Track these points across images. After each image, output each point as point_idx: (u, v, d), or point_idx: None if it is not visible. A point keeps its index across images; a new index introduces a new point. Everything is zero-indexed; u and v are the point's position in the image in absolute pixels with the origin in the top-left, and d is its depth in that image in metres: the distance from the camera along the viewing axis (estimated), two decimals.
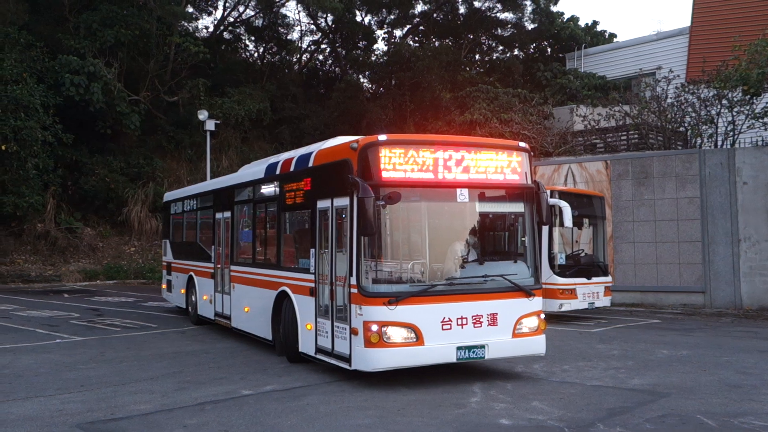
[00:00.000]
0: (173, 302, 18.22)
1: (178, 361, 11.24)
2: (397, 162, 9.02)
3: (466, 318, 9.12)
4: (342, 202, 9.34)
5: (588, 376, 10.05)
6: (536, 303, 9.70)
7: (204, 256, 15.50)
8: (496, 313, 9.32)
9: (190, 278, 16.25)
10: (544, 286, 15.66)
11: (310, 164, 10.58)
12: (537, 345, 9.73)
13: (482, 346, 9.20)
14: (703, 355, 11.82)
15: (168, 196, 19.53)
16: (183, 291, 16.84)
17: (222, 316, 14.17)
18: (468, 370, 10.35)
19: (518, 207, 10.04)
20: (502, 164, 9.68)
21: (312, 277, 10.14)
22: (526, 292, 9.58)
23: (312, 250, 10.18)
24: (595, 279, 16.55)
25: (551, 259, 15.91)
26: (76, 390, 9.15)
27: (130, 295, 23.19)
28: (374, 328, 8.72)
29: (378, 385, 9.31)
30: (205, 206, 15.81)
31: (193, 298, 16.07)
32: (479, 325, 9.20)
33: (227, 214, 14.13)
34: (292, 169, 11.27)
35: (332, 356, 9.62)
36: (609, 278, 17.30)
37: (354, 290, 8.92)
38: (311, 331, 10.15)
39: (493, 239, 10.70)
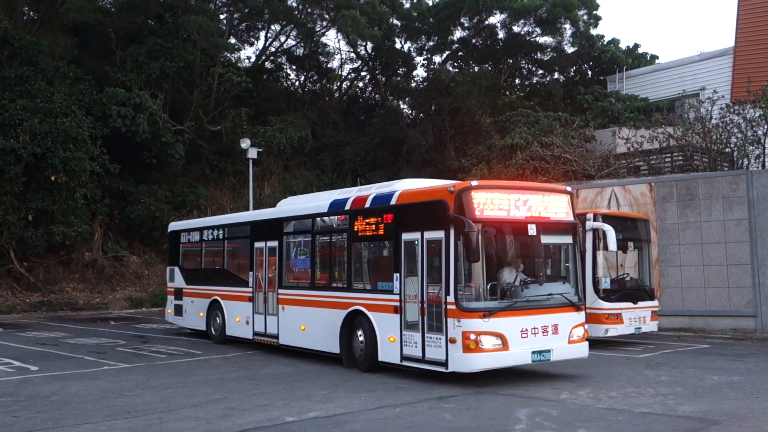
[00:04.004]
0: (185, 325, 19.41)
1: (222, 388, 11.31)
2: (482, 202, 10.97)
3: (537, 328, 11.12)
4: (435, 235, 11.15)
5: (636, 402, 9.85)
6: (582, 316, 11.83)
7: (235, 282, 16.97)
8: (558, 324, 11.36)
9: (214, 302, 17.64)
10: (589, 311, 15.59)
11: (393, 202, 12.29)
12: (583, 350, 11.80)
13: (549, 351, 11.18)
14: (755, 381, 11.51)
15: (175, 225, 20.83)
16: (202, 314, 18.09)
17: (265, 335, 15.53)
18: (512, 395, 10.27)
19: (567, 238, 12.10)
20: (554, 204, 11.83)
21: (396, 297, 11.83)
22: (576, 307, 11.69)
23: (396, 275, 11.91)
24: (641, 303, 16.22)
25: (596, 283, 15.66)
26: (122, 417, 9.26)
27: None
28: (472, 336, 10.51)
29: (422, 412, 9.26)
30: (237, 236, 17.35)
31: (218, 321, 17.44)
32: (546, 333, 11.21)
33: (273, 243, 15.48)
34: (368, 205, 12.88)
35: (423, 362, 11.28)
36: (656, 302, 16.97)
37: (451, 306, 10.71)
38: (395, 343, 11.79)
39: (548, 264, 12.87)
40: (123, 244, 31.88)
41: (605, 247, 15.50)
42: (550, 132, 28.66)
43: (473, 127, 35.61)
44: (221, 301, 17.35)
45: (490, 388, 10.91)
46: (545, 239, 11.97)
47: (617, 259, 16.76)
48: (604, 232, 15.37)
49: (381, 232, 12.47)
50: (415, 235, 11.58)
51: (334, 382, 11.61)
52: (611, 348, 15.93)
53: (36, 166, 27.03)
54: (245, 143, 28.28)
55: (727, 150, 23.42)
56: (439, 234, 11.01)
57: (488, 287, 10.99)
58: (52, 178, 26.92)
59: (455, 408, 9.44)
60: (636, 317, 16.01)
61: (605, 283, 15.91)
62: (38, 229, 27.64)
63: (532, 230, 11.43)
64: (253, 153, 28.11)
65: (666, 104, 32.05)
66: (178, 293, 19.58)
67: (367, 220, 12.74)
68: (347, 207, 13.38)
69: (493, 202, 11.09)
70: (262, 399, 10.36)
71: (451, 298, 10.71)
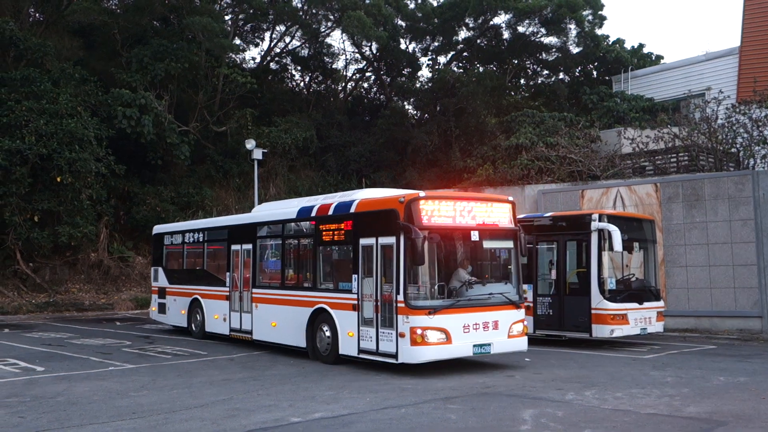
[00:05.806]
0: (167, 322, 20.47)
1: (227, 388, 11.33)
2: (429, 211, 12.16)
3: (479, 324, 12.33)
4: (387, 240, 12.30)
5: (642, 403, 9.83)
6: (521, 313, 13.08)
7: (214, 282, 18.12)
8: (498, 321, 12.59)
9: (195, 301, 18.83)
10: (594, 311, 15.61)
11: (352, 210, 13.43)
12: (522, 344, 13.06)
13: (489, 344, 12.41)
14: (761, 382, 11.48)
15: (159, 228, 21.87)
16: (183, 312, 19.24)
17: (240, 332, 16.73)
18: (518, 396, 10.25)
19: (508, 243, 13.41)
20: (497, 212, 13.07)
21: (355, 296, 12.98)
22: (516, 305, 12.95)
23: (354, 276, 13.03)
24: (647, 304, 16.20)
25: (601, 284, 15.62)
26: (128, 417, 9.28)
27: None
28: (419, 331, 11.71)
29: (427, 412, 9.25)
30: (216, 239, 18.47)
31: (198, 318, 18.65)
32: (487, 329, 12.43)
33: (247, 246, 16.67)
34: (330, 213, 14.03)
35: (377, 354, 12.44)
36: (661, 303, 16.93)
37: (401, 304, 11.88)
38: (353, 338, 12.93)
39: (491, 266, 13.97)
40: (128, 245, 31.95)
41: (611, 248, 15.50)
42: (555, 132, 28.60)
43: (478, 127, 35.59)
44: (201, 300, 18.56)
45: (496, 388, 10.90)
46: (488, 244, 13.25)
47: (623, 259, 16.75)
48: (609, 233, 15.36)
49: (342, 237, 13.74)
50: (371, 240, 12.75)
51: (339, 383, 11.62)
52: (617, 349, 15.90)
53: (42, 168, 27.09)
54: (250, 144, 28.31)
55: (732, 150, 23.36)
56: (391, 240, 12.19)
57: (435, 287, 12.25)
58: (58, 179, 26.97)
59: (460, 408, 9.43)
60: (641, 318, 15.98)
61: (611, 284, 15.87)
62: (44, 230, 27.69)
63: (475, 236, 12.66)
64: (258, 154, 28.15)
65: (671, 104, 31.99)
66: (162, 292, 20.72)
67: (330, 226, 13.99)
68: (313, 214, 14.58)
69: (440, 211, 12.26)
70: (268, 400, 10.37)
71: (401, 297, 11.89)
